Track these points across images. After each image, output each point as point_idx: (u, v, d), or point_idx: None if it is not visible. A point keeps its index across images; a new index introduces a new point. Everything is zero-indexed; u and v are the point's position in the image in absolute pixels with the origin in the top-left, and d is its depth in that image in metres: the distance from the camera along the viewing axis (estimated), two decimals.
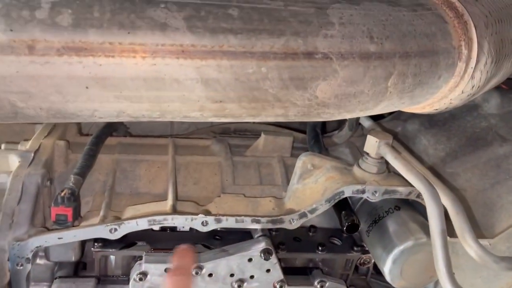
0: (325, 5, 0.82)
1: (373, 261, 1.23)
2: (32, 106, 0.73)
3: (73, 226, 1.05)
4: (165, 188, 1.23)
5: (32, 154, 1.16)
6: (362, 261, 1.24)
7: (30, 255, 1.01)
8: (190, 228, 1.18)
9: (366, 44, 0.82)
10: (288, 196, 1.20)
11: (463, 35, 0.93)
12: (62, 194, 1.04)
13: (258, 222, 1.09)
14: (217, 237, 1.17)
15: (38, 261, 1.07)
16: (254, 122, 1.67)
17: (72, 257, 1.07)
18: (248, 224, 1.09)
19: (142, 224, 1.04)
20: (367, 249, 1.20)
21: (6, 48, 0.68)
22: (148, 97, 0.76)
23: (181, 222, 1.06)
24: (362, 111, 0.91)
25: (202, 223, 1.07)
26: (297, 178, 1.20)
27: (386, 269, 1.07)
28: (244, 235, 1.17)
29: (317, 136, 1.39)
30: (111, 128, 1.35)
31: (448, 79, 0.96)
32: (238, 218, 1.08)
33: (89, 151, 1.19)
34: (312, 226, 1.26)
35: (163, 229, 1.20)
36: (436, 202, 0.96)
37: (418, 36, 0.87)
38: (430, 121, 1.48)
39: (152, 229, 1.17)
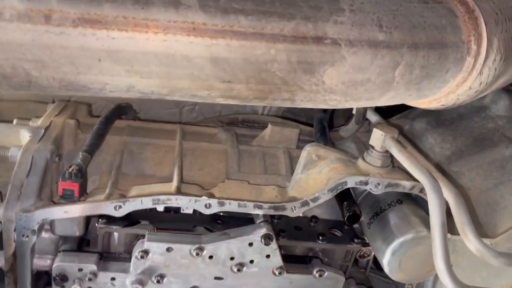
0: None
1: (373, 254, 1.24)
2: (45, 75, 0.75)
3: (79, 201, 1.06)
4: (171, 171, 1.24)
5: (43, 131, 1.18)
6: (362, 254, 1.24)
7: (36, 227, 1.03)
8: (194, 211, 1.20)
9: (375, 32, 0.83)
10: (291, 185, 1.21)
11: (473, 30, 0.94)
12: (70, 169, 1.06)
13: (260, 207, 1.10)
14: (219, 221, 1.18)
15: (43, 234, 1.10)
16: (262, 114, 1.69)
17: (77, 232, 1.09)
18: (250, 209, 1.10)
19: (146, 203, 1.06)
20: (367, 241, 1.21)
21: (23, 16, 0.70)
22: (158, 73, 0.77)
23: (185, 203, 1.08)
24: (369, 100, 0.92)
25: (205, 205, 1.08)
26: (301, 168, 1.21)
27: (385, 260, 1.07)
28: (246, 221, 1.18)
29: (324, 129, 1.39)
30: (121, 110, 1.37)
31: (456, 74, 0.97)
32: (241, 202, 1.10)
33: (98, 130, 1.21)
34: (313, 217, 1.27)
35: (167, 210, 1.22)
36: (438, 195, 0.96)
37: (427, 28, 0.88)
38: (437, 120, 1.48)
39: (156, 210, 1.19)
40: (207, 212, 1.09)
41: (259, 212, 1.11)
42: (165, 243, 1.07)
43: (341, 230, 1.25)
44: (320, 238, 1.20)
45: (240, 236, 1.10)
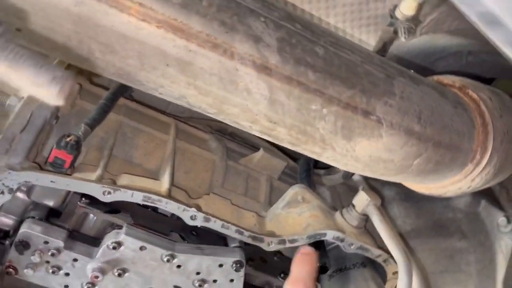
0: (393, 75, 0.89)
1: None
2: (107, 60, 0.73)
3: (66, 174, 1.03)
4: (158, 166, 1.23)
5: None
6: None
7: (15, 187, 0.97)
8: (172, 214, 1.19)
9: (414, 123, 0.89)
10: (269, 217, 1.25)
11: (482, 143, 1.04)
12: (68, 139, 1.02)
13: (241, 233, 1.13)
14: (193, 232, 1.19)
15: (18, 194, 1.04)
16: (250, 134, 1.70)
17: (53, 202, 1.05)
18: (231, 232, 1.12)
19: (136, 197, 1.04)
20: None
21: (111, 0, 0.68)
22: (216, 94, 0.78)
23: (173, 209, 1.07)
24: (382, 176, 0.98)
25: (191, 217, 1.09)
26: (283, 204, 1.25)
27: None
28: (217, 238, 1.20)
29: (309, 171, 1.44)
30: (127, 89, 1.33)
31: (456, 174, 1.06)
32: (225, 224, 1.11)
33: (103, 105, 1.17)
34: (278, 252, 1.31)
35: (145, 206, 1.20)
36: (408, 276, 1.05)
37: (453, 131, 0.96)
38: (406, 194, 1.58)
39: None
40: (190, 223, 1.09)
41: (239, 237, 1.13)
42: (141, 241, 1.06)
43: None
44: (282, 275, 1.24)
45: (214, 256, 1.11)
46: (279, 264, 1.28)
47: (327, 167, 1.59)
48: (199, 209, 1.10)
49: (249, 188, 1.38)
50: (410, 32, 1.14)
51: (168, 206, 1.07)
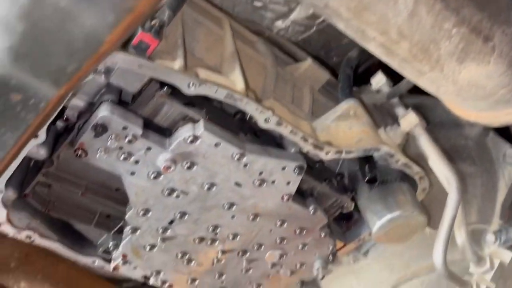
0: (510, 5, 0.90)
1: (351, 208, 1.40)
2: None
3: (150, 60, 0.97)
4: (217, 63, 1.19)
5: None
6: (343, 205, 1.39)
7: (102, 68, 0.91)
8: (234, 115, 1.18)
9: None
10: (320, 128, 1.27)
11: None
12: (153, 23, 0.95)
13: (305, 140, 1.16)
14: (256, 134, 1.20)
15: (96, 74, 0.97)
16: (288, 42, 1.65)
17: (131, 88, 1.00)
18: (297, 138, 1.15)
19: (220, 94, 1.02)
20: (354, 197, 1.36)
21: None
22: None
23: (251, 110, 1.07)
24: (463, 100, 1.03)
25: (266, 119, 1.09)
26: (334, 117, 1.29)
27: (379, 222, 1.25)
28: (273, 144, 1.22)
29: (351, 87, 1.46)
30: None
31: None
32: (294, 129, 1.13)
33: None
34: (320, 160, 1.37)
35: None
36: (458, 191, 1.15)
37: None
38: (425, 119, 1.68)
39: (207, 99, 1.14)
40: (263, 125, 1.10)
41: (302, 144, 1.16)
42: (217, 138, 1.05)
43: (337, 182, 1.37)
44: (326, 181, 1.31)
45: (280, 158, 1.14)
46: (322, 171, 1.35)
47: None
48: (274, 112, 1.10)
49: (295, 98, 1.39)
50: None
51: (247, 106, 1.07)
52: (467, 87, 0.96)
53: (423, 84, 0.97)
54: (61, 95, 0.57)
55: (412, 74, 0.94)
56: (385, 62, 0.95)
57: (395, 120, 1.37)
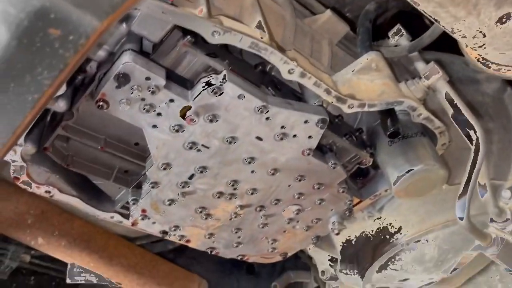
0: None
1: (369, 164, 1.39)
2: None
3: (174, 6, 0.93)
4: (237, 13, 1.15)
5: None
6: (362, 161, 1.38)
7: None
8: (255, 66, 1.15)
9: None
10: (341, 81, 1.24)
11: None
12: None
13: (329, 93, 1.13)
14: (278, 87, 1.17)
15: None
16: None
17: (157, 37, 0.96)
18: (320, 91, 1.12)
19: (244, 43, 0.99)
20: (373, 152, 1.35)
21: None
22: None
23: (275, 60, 1.04)
24: (493, 49, 1.00)
25: (289, 70, 1.06)
26: (356, 70, 1.25)
27: (400, 176, 1.24)
28: (293, 97, 1.20)
29: (371, 41, 1.42)
30: None
31: None
32: (318, 81, 1.11)
33: None
34: (339, 115, 1.35)
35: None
36: (484, 143, 1.14)
37: None
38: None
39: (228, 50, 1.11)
40: (287, 77, 1.07)
41: (325, 97, 1.14)
42: (241, 89, 1.03)
43: (355, 137, 1.36)
44: (346, 136, 1.30)
45: (303, 111, 1.12)
46: (341, 126, 1.33)
47: None
48: (298, 63, 1.07)
49: (314, 51, 1.35)
50: None
51: (271, 56, 1.03)
52: (502, 34, 0.93)
53: (458, 32, 0.94)
54: (102, 30, 0.54)
55: (446, 20, 0.90)
56: (418, 8, 0.91)
57: (412, 75, 1.34)
